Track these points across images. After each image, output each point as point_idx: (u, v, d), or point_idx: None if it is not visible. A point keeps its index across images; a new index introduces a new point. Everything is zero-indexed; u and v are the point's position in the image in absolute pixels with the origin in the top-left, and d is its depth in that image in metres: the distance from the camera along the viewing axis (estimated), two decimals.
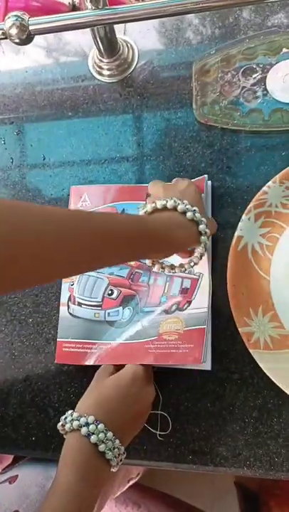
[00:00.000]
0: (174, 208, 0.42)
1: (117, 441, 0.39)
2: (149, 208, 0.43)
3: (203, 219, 0.43)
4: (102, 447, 0.38)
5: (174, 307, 0.49)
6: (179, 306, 0.49)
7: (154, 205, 0.42)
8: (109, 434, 0.38)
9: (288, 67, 0.52)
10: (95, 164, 0.57)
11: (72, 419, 0.39)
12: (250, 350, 0.45)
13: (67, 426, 0.39)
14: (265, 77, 0.52)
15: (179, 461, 0.47)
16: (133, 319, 0.50)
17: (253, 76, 0.52)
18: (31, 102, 0.61)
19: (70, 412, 0.40)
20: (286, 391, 0.43)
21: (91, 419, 0.38)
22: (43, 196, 0.57)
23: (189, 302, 0.48)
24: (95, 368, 0.50)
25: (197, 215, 0.42)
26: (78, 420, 0.39)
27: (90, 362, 0.49)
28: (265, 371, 0.44)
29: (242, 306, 0.46)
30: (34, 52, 0.63)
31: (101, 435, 0.38)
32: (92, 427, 0.38)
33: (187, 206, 0.42)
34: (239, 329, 0.46)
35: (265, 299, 0.47)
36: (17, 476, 0.51)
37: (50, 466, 0.53)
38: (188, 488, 1.01)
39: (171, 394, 0.48)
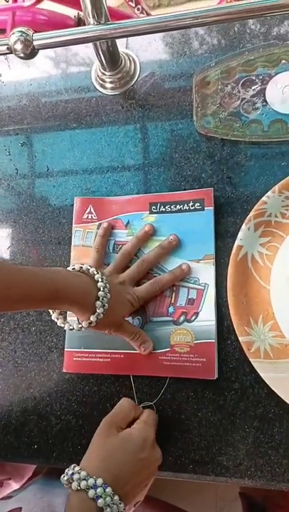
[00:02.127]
0: None
1: (122, 505, 0.38)
2: None
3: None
4: (107, 511, 0.37)
5: (182, 318, 0.49)
6: (186, 318, 0.49)
7: None
8: (116, 498, 0.37)
9: (287, 78, 0.52)
10: (97, 174, 0.57)
11: (80, 479, 0.38)
12: (251, 360, 0.45)
13: (74, 484, 0.38)
14: (265, 88, 0.53)
15: (180, 471, 0.46)
16: (143, 329, 0.50)
17: (253, 88, 0.53)
18: (36, 114, 0.62)
19: (76, 468, 0.39)
20: (287, 401, 0.43)
21: (100, 481, 0.37)
22: (46, 206, 0.58)
23: (197, 314, 0.49)
24: (96, 378, 0.51)
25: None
26: (86, 481, 0.37)
27: (103, 371, 0.50)
28: (265, 380, 0.44)
29: (242, 315, 0.47)
30: (38, 66, 0.65)
31: (108, 499, 0.37)
32: (99, 490, 0.37)
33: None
34: (239, 338, 0.46)
35: (265, 308, 0.47)
36: (20, 508, 0.51)
37: (54, 497, 0.52)
38: (193, 498, 1.00)
39: (171, 403, 0.48)
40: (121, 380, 0.50)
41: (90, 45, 0.55)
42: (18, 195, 0.59)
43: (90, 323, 0.44)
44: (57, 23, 1.30)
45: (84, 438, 0.50)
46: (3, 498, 0.56)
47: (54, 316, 0.47)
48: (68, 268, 0.47)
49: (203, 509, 0.99)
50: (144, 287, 0.49)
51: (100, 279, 0.44)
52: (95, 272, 0.45)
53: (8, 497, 0.56)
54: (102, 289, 0.44)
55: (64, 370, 0.51)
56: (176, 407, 0.48)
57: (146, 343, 0.49)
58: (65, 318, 0.47)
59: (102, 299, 0.43)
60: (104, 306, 0.44)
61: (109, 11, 0.50)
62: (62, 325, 0.46)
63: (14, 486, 0.60)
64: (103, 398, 0.50)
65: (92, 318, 0.43)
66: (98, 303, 0.43)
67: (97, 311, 0.43)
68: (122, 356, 0.50)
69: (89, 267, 0.46)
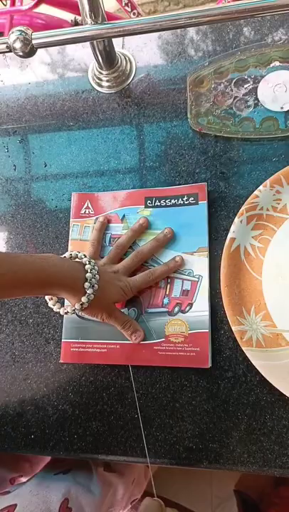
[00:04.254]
0: None
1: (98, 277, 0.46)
2: None
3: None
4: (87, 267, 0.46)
5: (176, 309, 0.50)
6: (181, 309, 0.50)
7: None
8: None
9: (278, 77, 0.54)
10: (94, 171, 0.59)
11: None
12: (243, 348, 0.46)
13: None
14: (257, 87, 0.54)
15: (174, 458, 0.47)
16: (138, 320, 0.51)
17: (245, 86, 0.55)
18: (34, 112, 0.63)
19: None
20: (278, 388, 0.45)
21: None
22: (44, 201, 0.59)
23: (191, 305, 0.50)
24: (92, 368, 0.51)
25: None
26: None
27: (100, 361, 0.51)
28: (257, 368, 0.45)
29: (235, 306, 0.48)
30: (37, 65, 0.66)
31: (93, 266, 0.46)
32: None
33: None
34: (232, 328, 0.47)
35: (257, 298, 0.48)
36: (15, 505, 0.52)
37: (49, 493, 0.53)
38: (188, 495, 1.00)
39: (166, 391, 0.49)
40: (117, 370, 0.51)
41: (88, 45, 0.56)
42: (16, 191, 0.61)
43: (82, 304, 0.45)
44: (54, 26, 1.32)
45: (80, 427, 0.50)
46: (1, 494, 0.57)
47: (51, 303, 0.48)
48: (65, 254, 0.48)
49: (198, 506, 0.99)
50: (138, 276, 0.51)
51: (87, 262, 0.46)
52: (83, 256, 0.47)
53: (6, 492, 0.57)
54: (89, 271, 0.46)
55: (61, 361, 0.52)
56: (170, 396, 0.49)
57: (138, 332, 0.50)
58: (61, 305, 0.48)
59: (91, 280, 0.45)
60: (93, 286, 0.45)
61: (106, 16, 0.51)
62: (58, 310, 0.48)
63: (24, 480, 0.61)
64: (99, 388, 0.51)
65: (84, 299, 0.45)
66: (87, 284, 0.45)
67: (87, 291, 0.45)
68: (117, 347, 0.51)
69: (78, 253, 0.48)
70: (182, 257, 0.51)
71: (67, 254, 0.48)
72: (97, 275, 0.46)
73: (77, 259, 0.48)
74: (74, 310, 0.46)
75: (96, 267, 0.47)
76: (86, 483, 0.57)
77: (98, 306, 0.47)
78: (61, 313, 0.48)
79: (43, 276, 0.43)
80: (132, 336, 0.50)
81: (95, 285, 0.46)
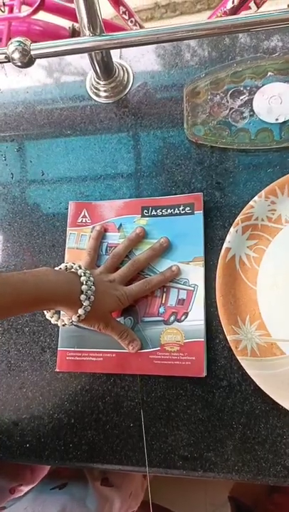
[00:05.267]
0: None
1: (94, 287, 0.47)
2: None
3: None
4: (83, 279, 0.46)
5: (172, 318, 0.51)
6: (177, 318, 0.51)
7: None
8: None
9: (273, 89, 0.55)
10: (91, 180, 0.59)
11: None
12: (238, 358, 0.47)
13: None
14: (252, 99, 0.55)
15: (170, 467, 0.48)
16: (134, 329, 0.51)
17: (241, 98, 0.56)
18: (32, 121, 0.64)
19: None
20: (273, 397, 0.45)
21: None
22: (41, 210, 0.59)
23: (186, 314, 0.50)
24: (88, 377, 0.52)
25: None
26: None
27: (96, 370, 0.51)
28: (252, 378, 0.46)
29: (230, 315, 0.48)
30: (35, 74, 0.67)
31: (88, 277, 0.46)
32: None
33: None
34: (227, 337, 0.48)
35: (252, 308, 0.49)
36: None
37: (45, 509, 0.53)
38: (183, 503, 1.00)
39: (162, 400, 0.49)
40: (112, 379, 0.51)
41: (85, 55, 0.57)
42: (14, 199, 0.61)
43: (79, 316, 0.46)
44: (51, 33, 1.33)
45: (76, 436, 0.51)
46: None
47: (48, 315, 0.48)
48: (56, 268, 0.48)
49: None
50: (134, 286, 0.51)
51: (82, 274, 0.47)
52: (78, 268, 0.47)
53: (2, 508, 0.57)
54: (85, 283, 0.46)
55: (57, 370, 0.52)
56: (166, 405, 0.49)
57: (135, 341, 0.50)
58: (58, 316, 0.49)
59: (87, 292, 0.46)
60: (89, 298, 0.46)
61: (103, 23, 0.52)
62: (56, 322, 0.48)
63: (25, 490, 0.60)
64: (95, 397, 0.51)
65: (80, 311, 0.46)
66: (83, 296, 0.45)
67: (84, 303, 0.45)
68: (113, 355, 0.51)
69: (73, 264, 0.48)
70: (178, 266, 0.52)
71: (62, 266, 0.49)
72: (92, 286, 0.46)
73: (72, 271, 0.48)
74: (71, 322, 0.46)
75: (91, 278, 0.47)
76: (82, 498, 0.57)
77: (95, 317, 0.48)
78: (59, 324, 0.48)
79: (38, 294, 0.43)
80: (129, 346, 0.50)
81: (91, 296, 0.46)
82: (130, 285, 0.51)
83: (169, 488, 0.99)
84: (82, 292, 0.45)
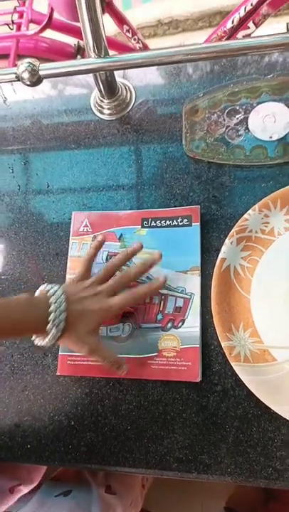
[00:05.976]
0: None
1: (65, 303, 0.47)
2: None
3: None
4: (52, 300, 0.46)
5: (169, 325, 0.53)
6: (174, 324, 0.53)
7: None
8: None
9: (268, 109, 0.58)
10: (94, 192, 0.62)
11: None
12: (232, 363, 0.49)
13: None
14: (247, 117, 0.58)
15: (165, 469, 0.49)
16: (133, 335, 0.54)
17: (237, 116, 0.59)
18: (38, 136, 0.67)
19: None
20: (264, 402, 0.47)
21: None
22: (45, 220, 0.62)
23: (183, 321, 0.53)
24: (88, 380, 0.54)
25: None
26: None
27: (95, 374, 0.53)
28: (245, 383, 0.48)
29: (224, 323, 0.51)
30: (42, 92, 0.70)
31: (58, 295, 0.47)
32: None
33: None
34: (222, 344, 0.50)
35: (245, 316, 0.51)
36: None
37: None
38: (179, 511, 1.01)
39: (158, 404, 0.51)
40: (111, 383, 0.53)
41: (91, 75, 0.60)
42: (20, 209, 0.64)
43: (47, 342, 0.47)
44: (58, 50, 1.38)
45: (75, 438, 0.52)
46: None
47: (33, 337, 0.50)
48: (40, 287, 0.49)
49: None
50: (121, 296, 0.51)
51: (54, 301, 0.47)
52: (53, 293, 0.47)
53: None
54: (54, 311, 0.46)
55: (58, 373, 0.54)
56: (162, 408, 0.51)
57: (122, 366, 0.50)
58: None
59: (54, 320, 0.46)
60: (57, 326, 0.46)
61: (107, 40, 0.55)
62: (36, 341, 0.49)
63: (24, 490, 0.62)
64: (94, 400, 0.53)
65: (48, 339, 0.47)
66: (49, 326, 0.46)
67: (50, 332, 0.46)
68: None
69: (52, 286, 0.48)
70: (166, 276, 0.53)
71: (42, 287, 0.49)
72: (64, 313, 0.46)
73: (47, 295, 0.48)
74: (46, 343, 0.47)
75: (64, 303, 0.47)
76: (87, 505, 0.58)
77: (72, 341, 0.48)
78: (35, 343, 0.49)
79: (10, 324, 0.45)
80: (117, 371, 0.50)
81: (61, 323, 0.46)
82: (116, 296, 0.51)
83: (166, 498, 0.99)
84: (48, 322, 0.46)
